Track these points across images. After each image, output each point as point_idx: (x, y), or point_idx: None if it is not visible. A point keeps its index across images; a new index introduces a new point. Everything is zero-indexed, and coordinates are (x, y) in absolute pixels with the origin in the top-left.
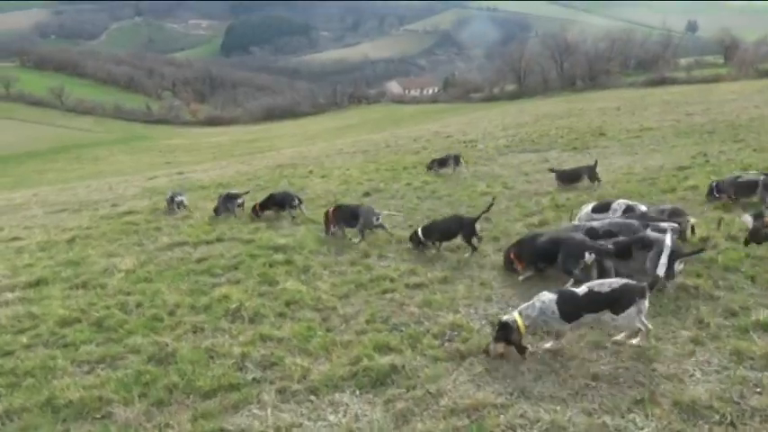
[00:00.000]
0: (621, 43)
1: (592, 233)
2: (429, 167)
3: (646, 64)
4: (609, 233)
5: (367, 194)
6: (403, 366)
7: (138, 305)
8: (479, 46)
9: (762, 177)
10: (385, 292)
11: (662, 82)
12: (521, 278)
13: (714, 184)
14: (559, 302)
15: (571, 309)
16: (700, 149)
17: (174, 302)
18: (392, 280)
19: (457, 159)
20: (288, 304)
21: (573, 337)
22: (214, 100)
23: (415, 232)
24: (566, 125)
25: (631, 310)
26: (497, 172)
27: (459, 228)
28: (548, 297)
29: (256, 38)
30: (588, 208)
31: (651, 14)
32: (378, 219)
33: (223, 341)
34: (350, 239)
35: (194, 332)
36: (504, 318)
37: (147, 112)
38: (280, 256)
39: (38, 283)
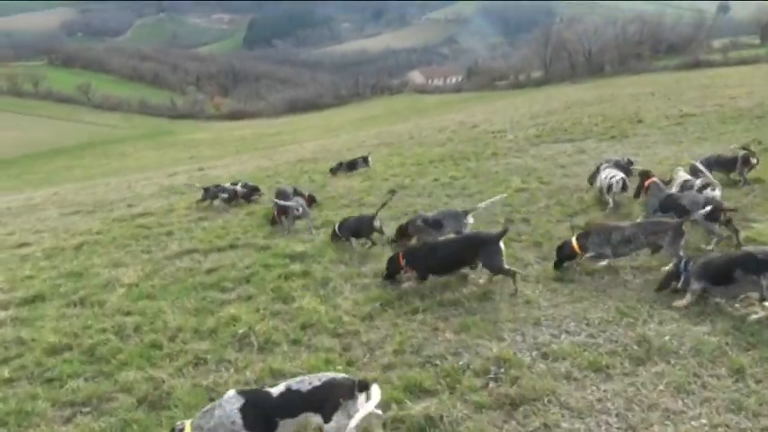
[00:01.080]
0: (652, 26)
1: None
2: (333, 171)
3: (678, 47)
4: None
5: (392, 192)
6: (441, 417)
7: (137, 328)
8: (503, 33)
9: (741, 153)
10: (415, 312)
11: (696, 65)
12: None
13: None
14: (244, 409)
15: (260, 416)
16: (752, 136)
17: (176, 325)
18: (423, 297)
19: (366, 160)
20: (304, 327)
21: None
22: (237, 93)
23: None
24: (598, 112)
25: (339, 416)
26: (531, 165)
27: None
28: (230, 402)
29: (278, 31)
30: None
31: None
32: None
33: (227, 377)
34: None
35: (195, 364)
36: (177, 426)
37: (172, 107)
38: (297, 267)
39: (34, 299)
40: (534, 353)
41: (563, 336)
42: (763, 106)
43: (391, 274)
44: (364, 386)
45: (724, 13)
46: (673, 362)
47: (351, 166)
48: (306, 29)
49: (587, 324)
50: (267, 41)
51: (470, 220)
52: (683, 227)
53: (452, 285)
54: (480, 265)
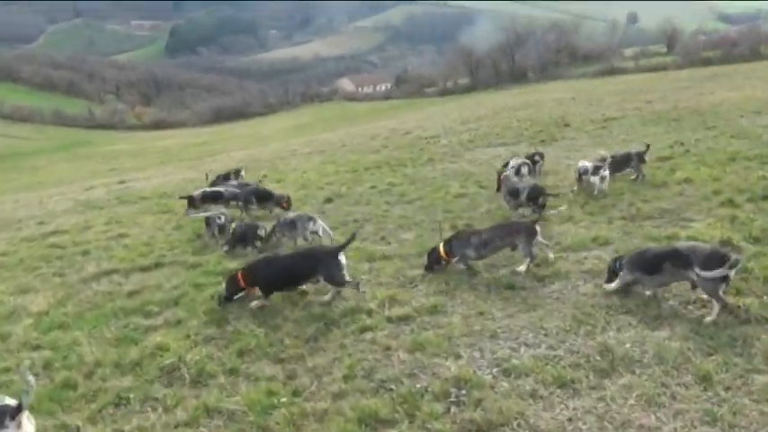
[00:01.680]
0: (569, 35)
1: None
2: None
3: (593, 55)
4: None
5: (329, 201)
6: None
7: (47, 365)
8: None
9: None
10: (363, 330)
11: (611, 72)
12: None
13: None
14: None
15: None
16: (674, 138)
17: (93, 359)
18: (370, 313)
19: (237, 173)
20: (241, 354)
21: None
22: (160, 102)
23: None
24: (526, 117)
25: None
26: (468, 169)
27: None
28: None
29: (202, 38)
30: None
31: (593, 5)
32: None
33: (154, 419)
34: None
35: (116, 405)
36: None
37: (90, 117)
38: None
39: None
40: (495, 370)
41: (522, 349)
42: (677, 110)
43: (231, 295)
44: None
45: (633, 23)
46: (638, 372)
47: (226, 177)
48: (231, 36)
49: (545, 334)
50: (191, 49)
51: (317, 226)
52: (535, 226)
53: (401, 298)
54: (322, 279)
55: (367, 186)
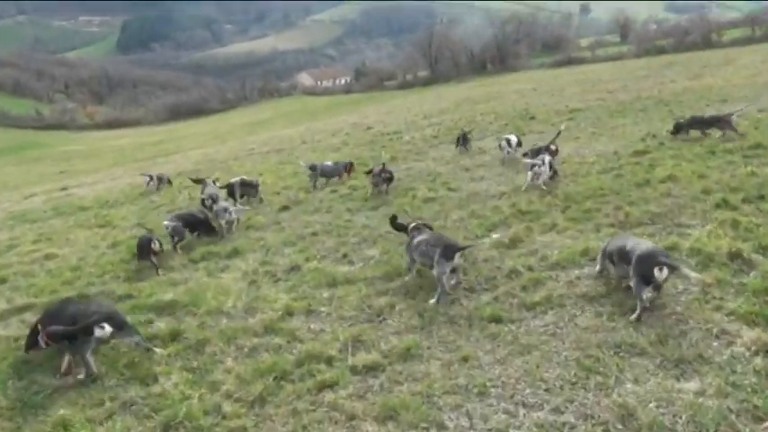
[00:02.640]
0: (527, 26)
1: None
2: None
3: (551, 45)
4: None
5: (285, 209)
6: None
7: None
8: (388, 35)
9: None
10: (321, 388)
11: (569, 62)
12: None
13: None
14: None
15: None
16: (645, 130)
17: None
18: (330, 361)
19: (167, 179)
20: (167, 429)
21: None
22: (113, 101)
23: None
24: (489, 110)
25: None
26: (434, 168)
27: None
28: None
29: (155, 33)
30: None
31: None
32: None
33: None
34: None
35: None
36: None
37: (38, 118)
38: (163, 325)
39: None
40: None
41: (521, 412)
42: (642, 100)
43: (29, 345)
44: None
45: (586, 14)
46: None
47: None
48: (185, 31)
49: (547, 389)
50: (144, 45)
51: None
52: (455, 252)
53: (367, 337)
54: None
55: (328, 190)
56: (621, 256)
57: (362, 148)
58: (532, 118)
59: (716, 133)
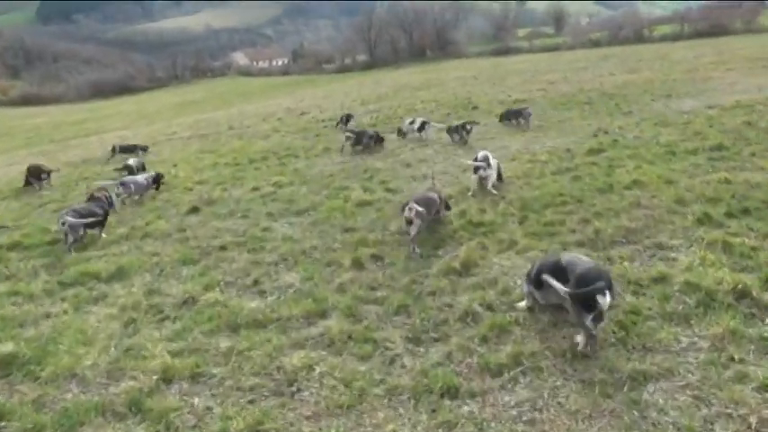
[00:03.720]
0: (466, 13)
1: None
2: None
3: (489, 34)
4: None
5: (194, 211)
6: None
7: None
8: (327, 16)
9: None
10: None
11: (507, 51)
12: None
13: None
14: None
15: None
16: (594, 125)
17: None
18: None
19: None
20: None
21: None
22: (30, 76)
23: None
24: (430, 98)
25: None
26: (371, 164)
27: None
28: None
29: (80, 5)
30: None
31: None
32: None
33: None
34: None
35: None
36: None
37: None
38: None
39: None
40: None
41: None
42: (585, 92)
43: None
44: None
45: (522, 5)
46: None
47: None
48: (113, 3)
49: None
50: (66, 16)
51: None
52: None
53: (272, 423)
54: None
55: (248, 188)
56: (555, 274)
57: (294, 137)
58: (475, 108)
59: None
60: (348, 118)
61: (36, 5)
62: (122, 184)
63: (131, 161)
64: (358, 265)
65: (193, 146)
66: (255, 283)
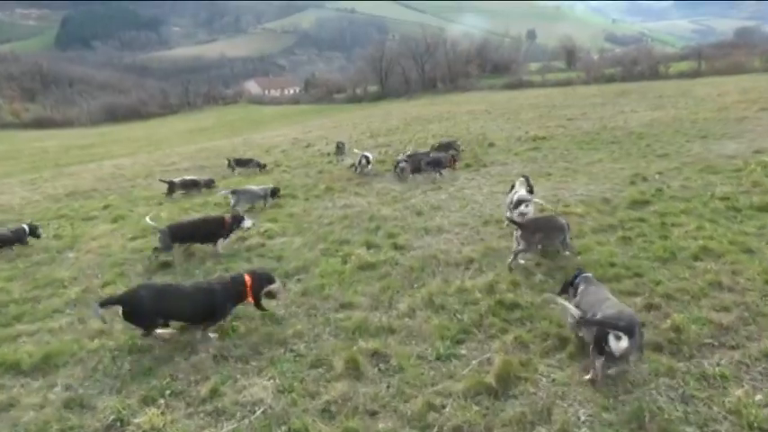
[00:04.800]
0: (478, 47)
1: None
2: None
3: (500, 68)
4: None
5: (164, 266)
6: None
7: None
8: (339, 47)
9: None
10: None
11: (519, 85)
12: None
13: None
14: None
15: None
16: (628, 169)
17: None
18: None
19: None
20: None
21: None
22: (45, 99)
23: None
24: (441, 131)
25: None
26: (378, 210)
27: None
28: None
29: (98, 31)
30: None
31: (494, 22)
32: None
33: None
34: None
35: None
36: None
37: None
38: None
39: None
40: None
41: None
42: (609, 130)
43: None
44: None
45: (532, 40)
46: None
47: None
48: (130, 31)
49: None
50: (85, 42)
51: None
52: None
53: None
54: None
55: (233, 237)
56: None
57: (296, 172)
58: (491, 145)
59: None
60: (341, 146)
61: (55, 31)
62: (234, 192)
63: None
64: (354, 369)
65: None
66: (212, 395)
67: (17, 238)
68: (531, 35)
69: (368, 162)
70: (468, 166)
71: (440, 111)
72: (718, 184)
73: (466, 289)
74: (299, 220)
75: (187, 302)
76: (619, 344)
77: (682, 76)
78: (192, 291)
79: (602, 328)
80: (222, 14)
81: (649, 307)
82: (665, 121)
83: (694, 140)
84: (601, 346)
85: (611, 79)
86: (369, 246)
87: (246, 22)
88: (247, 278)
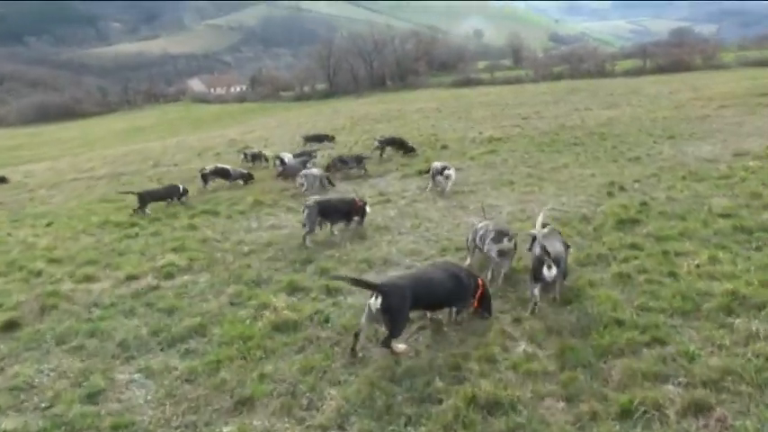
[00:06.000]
0: (426, 44)
1: None
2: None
3: (449, 66)
4: None
5: (10, 328)
6: None
7: None
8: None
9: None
10: None
11: (468, 83)
12: None
13: None
14: None
15: None
16: (600, 175)
17: None
18: None
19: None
20: None
21: None
22: None
23: None
24: (391, 131)
25: None
26: (315, 235)
27: None
28: None
29: (31, 27)
30: None
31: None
32: None
33: None
34: None
35: None
36: None
37: None
38: None
39: None
40: None
41: None
42: (568, 130)
43: None
44: None
45: (479, 39)
46: None
47: None
48: (66, 26)
49: None
50: (17, 38)
51: None
52: None
53: None
54: None
55: (122, 276)
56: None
57: (224, 180)
58: (444, 147)
59: None
60: (254, 156)
61: None
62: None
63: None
64: None
65: (98, 190)
66: None
67: None
68: (478, 34)
69: (282, 163)
70: (420, 172)
71: (389, 109)
72: (710, 195)
73: (422, 368)
74: (213, 247)
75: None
76: (550, 272)
77: (627, 73)
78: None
79: (539, 261)
80: (164, 11)
81: (690, 409)
82: (623, 120)
83: (662, 141)
84: (538, 274)
85: (558, 77)
86: (293, 288)
87: (190, 18)
88: None
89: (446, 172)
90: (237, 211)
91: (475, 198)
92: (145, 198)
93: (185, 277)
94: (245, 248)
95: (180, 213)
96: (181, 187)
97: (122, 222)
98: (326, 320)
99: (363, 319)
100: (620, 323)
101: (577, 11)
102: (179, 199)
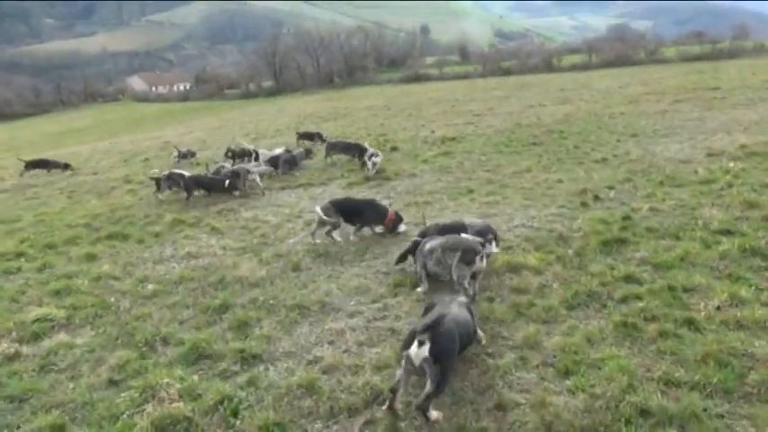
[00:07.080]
0: (374, 40)
1: None
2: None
3: (397, 62)
4: None
5: None
6: None
7: None
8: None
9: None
10: None
11: (417, 78)
12: None
13: None
14: None
15: None
16: (567, 180)
17: None
18: None
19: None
20: None
21: None
22: None
23: None
24: (338, 132)
25: None
26: (238, 269)
27: None
28: None
29: None
30: None
31: (388, 17)
32: None
33: None
34: None
35: None
36: None
37: None
38: None
39: None
40: None
41: None
42: (524, 128)
43: None
44: None
45: (425, 35)
46: None
47: None
48: None
49: None
50: None
51: None
52: None
53: None
54: None
55: (31, 316)
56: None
57: (146, 192)
58: (395, 148)
59: None
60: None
61: None
62: None
63: None
64: None
65: (7, 203)
66: None
67: None
68: (425, 30)
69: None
70: (367, 179)
71: (337, 106)
72: (697, 205)
73: None
74: (107, 288)
75: None
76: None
77: (575, 68)
78: None
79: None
80: (101, 6)
81: None
82: (579, 116)
83: (626, 139)
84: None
85: (507, 72)
86: (197, 355)
87: (129, 14)
88: None
89: (374, 159)
90: (152, 234)
91: (431, 211)
92: None
93: (60, 336)
94: (149, 288)
95: (83, 237)
96: None
97: (7, 252)
98: (234, 414)
99: (400, 373)
100: (645, 414)
101: (521, 8)
102: None
